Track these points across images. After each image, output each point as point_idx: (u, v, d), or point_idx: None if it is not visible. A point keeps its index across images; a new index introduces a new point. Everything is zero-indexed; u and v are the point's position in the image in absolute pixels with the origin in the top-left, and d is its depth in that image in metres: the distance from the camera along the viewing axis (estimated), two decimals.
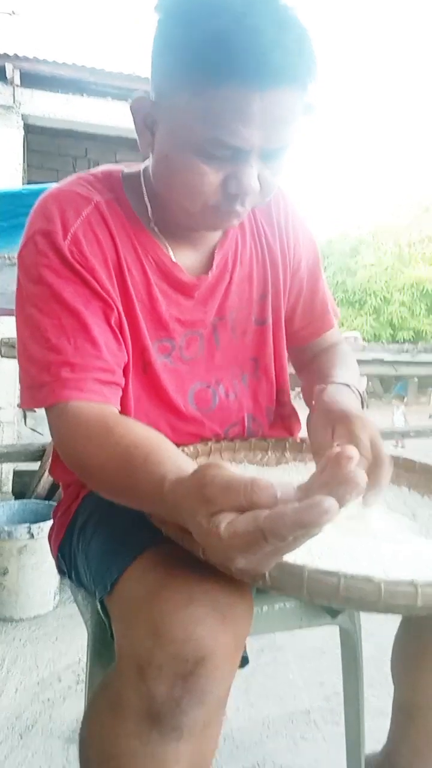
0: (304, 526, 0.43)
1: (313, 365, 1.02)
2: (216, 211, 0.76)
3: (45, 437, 3.00)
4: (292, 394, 1.06)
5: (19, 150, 6.54)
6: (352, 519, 0.78)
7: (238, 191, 0.72)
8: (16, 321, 0.80)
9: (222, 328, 0.91)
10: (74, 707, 1.35)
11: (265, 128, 0.68)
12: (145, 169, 0.85)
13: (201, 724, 0.58)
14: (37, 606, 1.82)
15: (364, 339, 13.42)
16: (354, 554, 0.65)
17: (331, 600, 0.53)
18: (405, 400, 9.27)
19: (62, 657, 1.60)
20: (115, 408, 0.77)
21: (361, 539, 0.71)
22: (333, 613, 0.93)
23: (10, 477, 2.50)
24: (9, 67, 6.31)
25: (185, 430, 0.90)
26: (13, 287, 0.82)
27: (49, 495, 2.12)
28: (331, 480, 0.45)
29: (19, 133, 6.59)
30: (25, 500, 2.12)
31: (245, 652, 0.73)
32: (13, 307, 0.82)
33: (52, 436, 0.78)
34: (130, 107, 0.77)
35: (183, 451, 0.86)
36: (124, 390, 0.83)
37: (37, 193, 0.93)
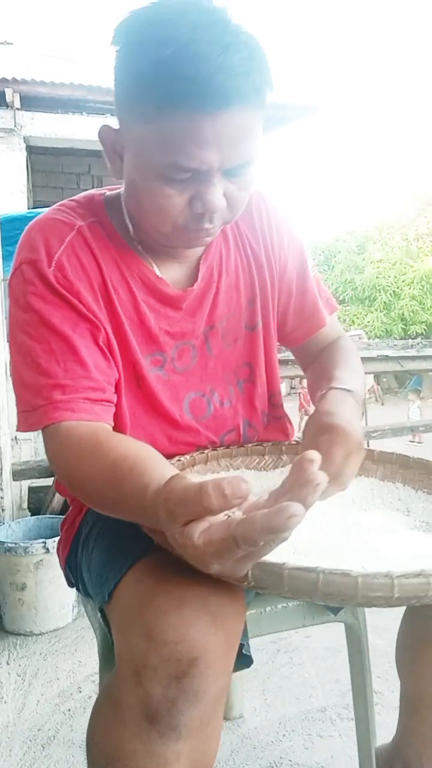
0: (273, 531, 0.46)
1: (315, 364, 1.03)
2: (186, 231, 0.78)
3: None
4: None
5: (22, 171, 6.64)
6: (345, 516, 0.81)
7: (204, 210, 0.75)
8: (9, 348, 0.84)
9: (213, 337, 0.93)
10: None
11: (221, 148, 0.70)
12: (125, 191, 0.89)
13: (198, 722, 0.60)
14: (55, 619, 1.85)
15: (369, 336, 13.35)
16: (341, 550, 0.67)
17: (312, 596, 0.55)
18: (421, 394, 9.19)
19: (82, 668, 1.63)
20: (107, 425, 0.80)
21: (351, 535, 0.73)
22: (334, 611, 0.95)
23: (26, 494, 2.54)
24: (8, 92, 6.41)
25: (182, 440, 0.92)
26: None
27: (64, 510, 2.16)
28: (295, 483, 0.48)
29: (22, 155, 6.70)
30: (40, 516, 2.16)
31: (248, 651, 0.75)
32: None
33: (47, 456, 0.81)
34: (98, 136, 0.80)
35: (180, 460, 0.89)
36: (119, 405, 0.86)
37: None
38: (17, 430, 0.83)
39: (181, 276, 0.91)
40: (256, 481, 0.94)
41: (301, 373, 1.16)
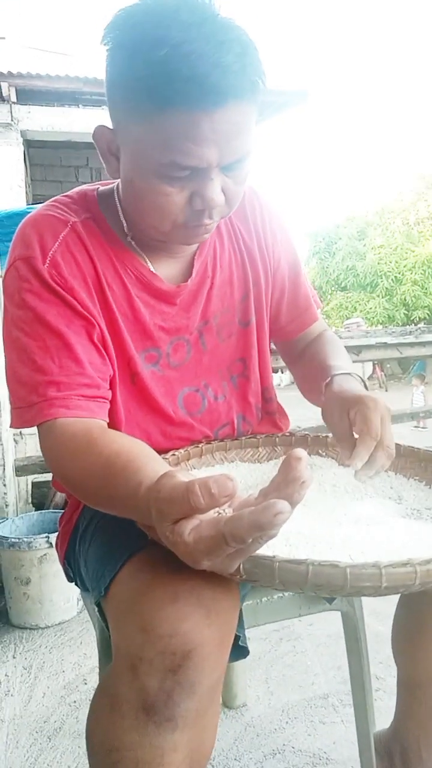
0: (260, 528, 0.47)
1: (305, 356, 1.04)
2: (185, 228, 0.79)
3: None
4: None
5: (20, 166, 6.62)
6: (337, 505, 0.82)
7: (203, 206, 0.75)
8: (4, 345, 0.84)
9: (208, 332, 0.94)
10: None
11: (219, 145, 0.71)
12: (119, 185, 0.88)
13: (194, 713, 0.61)
14: (60, 612, 1.87)
15: (372, 323, 13.30)
16: (334, 541, 0.68)
17: (303, 587, 0.56)
18: (425, 379, 9.17)
19: (87, 660, 1.65)
20: (102, 421, 0.80)
21: (343, 524, 0.74)
22: (329, 599, 0.96)
23: (30, 489, 2.56)
24: (4, 86, 6.38)
25: (176, 435, 0.93)
26: None
27: (66, 505, 2.17)
28: (282, 481, 0.49)
29: (19, 150, 6.67)
30: (43, 511, 2.17)
31: (245, 642, 0.76)
32: None
33: (41, 453, 0.81)
34: (93, 137, 0.81)
35: (174, 454, 0.90)
36: (114, 401, 0.86)
37: None
38: (10, 426, 0.84)
39: (175, 271, 0.91)
40: (251, 473, 0.94)
41: None
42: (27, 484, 2.66)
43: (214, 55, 0.66)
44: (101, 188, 0.91)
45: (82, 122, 6.38)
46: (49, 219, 0.83)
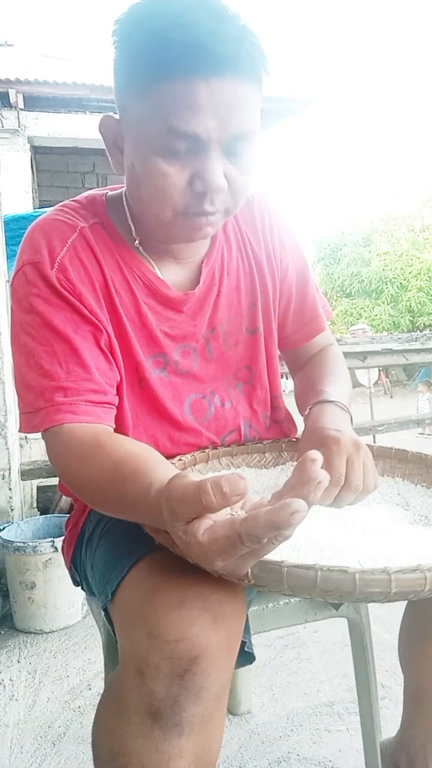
0: (277, 528, 0.47)
1: (303, 372, 1.04)
2: (186, 217, 0.78)
3: None
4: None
5: (27, 172, 6.67)
6: (345, 512, 0.81)
7: (204, 188, 0.74)
8: (12, 349, 0.84)
9: (214, 339, 0.93)
10: None
11: (218, 116, 0.71)
12: (126, 191, 0.89)
13: (201, 719, 0.61)
14: (65, 617, 1.87)
15: (377, 329, 13.26)
16: (342, 546, 0.68)
17: (311, 593, 0.55)
18: (431, 386, 9.14)
19: (91, 665, 1.65)
20: (109, 427, 0.80)
21: (351, 531, 0.74)
22: (336, 606, 0.96)
23: (35, 493, 2.56)
24: (12, 93, 6.44)
25: (183, 441, 0.92)
26: None
27: (72, 509, 2.17)
28: (297, 482, 0.50)
29: (27, 156, 6.72)
30: (48, 515, 2.18)
31: (251, 648, 0.76)
32: None
33: (49, 458, 0.82)
34: (99, 129, 0.81)
35: (181, 459, 0.90)
36: (121, 406, 0.86)
37: None
38: (19, 431, 0.84)
39: (182, 278, 0.91)
40: (257, 478, 0.94)
41: None
42: (32, 489, 2.66)
43: (212, 25, 0.68)
44: (109, 193, 0.91)
45: (88, 128, 6.43)
46: (58, 224, 0.84)
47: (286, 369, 1.17)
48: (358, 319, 14.10)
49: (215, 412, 0.95)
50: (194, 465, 0.93)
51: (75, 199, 0.90)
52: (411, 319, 14.18)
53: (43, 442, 0.83)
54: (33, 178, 7.20)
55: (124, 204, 0.88)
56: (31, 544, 1.84)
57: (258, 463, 1.00)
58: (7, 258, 2.43)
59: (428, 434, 7.11)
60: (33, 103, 6.64)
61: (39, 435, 0.82)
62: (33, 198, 7.02)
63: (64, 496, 2.18)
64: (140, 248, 0.87)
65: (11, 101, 6.50)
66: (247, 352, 0.97)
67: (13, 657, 1.72)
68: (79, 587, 1.00)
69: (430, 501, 0.87)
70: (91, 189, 0.96)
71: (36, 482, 2.55)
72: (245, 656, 0.73)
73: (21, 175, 6.53)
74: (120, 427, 0.86)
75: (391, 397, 11.77)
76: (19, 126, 6.66)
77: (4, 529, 1.98)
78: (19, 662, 1.69)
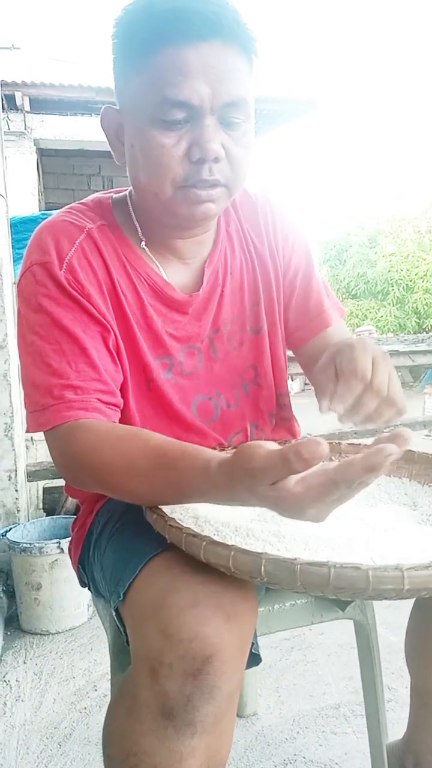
0: (372, 470, 0.51)
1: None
2: (187, 193, 0.78)
3: None
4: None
5: (33, 174, 6.70)
6: (352, 511, 0.81)
7: (201, 155, 0.75)
8: (19, 349, 0.84)
9: (218, 340, 0.94)
10: None
11: (209, 81, 0.73)
12: (131, 191, 0.89)
13: (213, 718, 0.61)
14: (71, 618, 1.87)
15: (383, 331, 13.21)
16: (352, 545, 0.68)
17: (324, 590, 0.55)
18: None
19: (97, 666, 1.65)
20: None
21: (359, 530, 0.74)
22: (342, 606, 0.95)
23: (41, 494, 2.57)
24: (18, 95, 6.47)
25: (191, 441, 0.92)
26: None
27: (78, 510, 2.18)
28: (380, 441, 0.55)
29: (33, 158, 6.75)
30: (54, 516, 2.18)
31: (257, 650, 0.76)
32: None
33: (59, 456, 0.79)
34: (101, 123, 0.83)
35: None
36: (128, 407, 0.87)
37: None
38: (27, 431, 0.84)
39: (186, 279, 0.91)
40: None
41: None
42: (38, 490, 2.67)
43: None
44: (115, 196, 0.92)
45: (94, 131, 6.45)
46: (66, 225, 0.84)
47: (290, 371, 1.15)
48: (363, 320, 14.06)
49: (221, 413, 0.95)
50: None
51: (81, 201, 0.91)
52: (417, 320, 14.12)
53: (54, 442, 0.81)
54: (39, 181, 7.23)
55: (129, 205, 0.89)
56: (37, 545, 1.84)
57: None
58: (14, 261, 2.44)
59: None
60: (39, 105, 6.68)
61: (41, 436, 0.81)
62: (39, 200, 7.05)
63: (70, 498, 2.18)
64: (146, 250, 0.88)
65: (17, 104, 6.53)
66: (252, 352, 0.97)
67: (20, 658, 1.72)
68: (86, 588, 1.00)
69: None
70: (96, 191, 0.97)
71: (42, 483, 2.55)
72: (252, 658, 0.73)
73: (27, 177, 6.56)
74: None
75: None
76: (25, 128, 6.69)
77: (10, 530, 1.98)
78: (25, 663, 1.69)
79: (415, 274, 14.21)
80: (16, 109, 6.57)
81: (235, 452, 0.59)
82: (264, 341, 0.97)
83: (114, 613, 0.78)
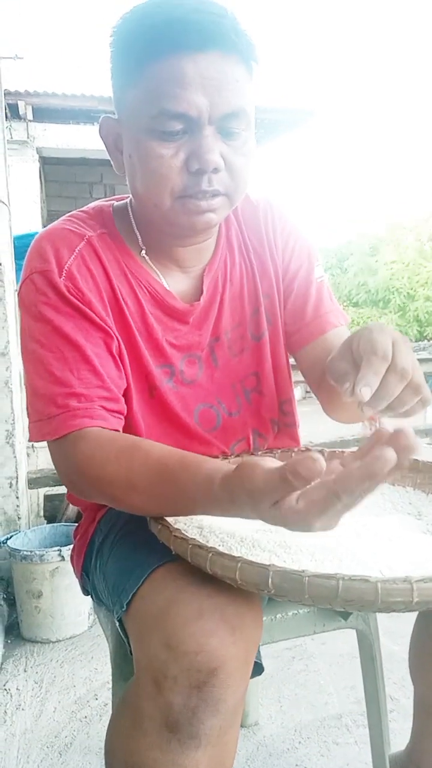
0: (372, 477, 0.50)
1: (325, 380, 0.95)
2: (187, 203, 0.77)
3: None
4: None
5: (36, 182, 6.73)
6: (357, 521, 0.81)
7: (200, 166, 0.74)
8: (22, 358, 0.84)
9: (219, 348, 0.93)
10: None
11: (207, 92, 0.72)
12: (132, 199, 0.89)
13: (217, 731, 0.61)
14: (72, 626, 1.86)
15: None
16: (358, 556, 0.67)
17: (332, 602, 0.55)
18: None
19: (98, 675, 1.64)
20: None
21: (364, 540, 0.73)
22: (345, 616, 0.95)
23: (42, 502, 2.56)
24: (21, 104, 6.51)
25: (193, 450, 0.91)
26: None
27: (79, 517, 2.17)
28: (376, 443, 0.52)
29: (35, 166, 6.79)
30: (55, 524, 2.17)
31: (260, 659, 0.75)
32: None
33: (63, 466, 0.79)
34: (99, 132, 0.83)
35: None
36: (132, 414, 0.86)
37: None
38: (30, 440, 0.83)
39: (187, 287, 0.91)
40: None
41: None
42: (39, 497, 2.66)
43: (194, 4, 0.71)
44: (116, 203, 0.92)
45: (96, 140, 6.46)
46: (65, 233, 0.84)
47: (298, 378, 1.14)
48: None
49: (223, 422, 0.94)
50: None
51: (82, 209, 0.91)
52: (419, 328, 14.12)
53: (56, 451, 0.80)
54: (41, 189, 7.26)
55: (130, 213, 0.89)
56: (38, 552, 1.84)
57: None
58: (17, 270, 2.45)
59: None
60: (42, 114, 6.72)
61: (43, 444, 0.81)
62: (41, 208, 7.08)
63: (71, 505, 2.18)
64: (147, 258, 0.88)
65: (20, 113, 6.57)
66: (254, 359, 0.96)
67: (20, 666, 1.71)
68: (89, 596, 1.00)
69: None
70: (98, 199, 0.97)
71: (43, 491, 2.55)
72: (255, 667, 0.73)
73: (29, 185, 6.59)
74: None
75: None
76: (27, 137, 6.73)
77: (11, 537, 1.98)
78: (25, 671, 1.68)
79: (416, 282, 14.23)
80: (19, 118, 6.61)
81: (235, 470, 0.58)
82: (265, 348, 0.97)
83: (117, 623, 0.77)
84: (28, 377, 0.82)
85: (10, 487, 2.08)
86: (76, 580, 1.03)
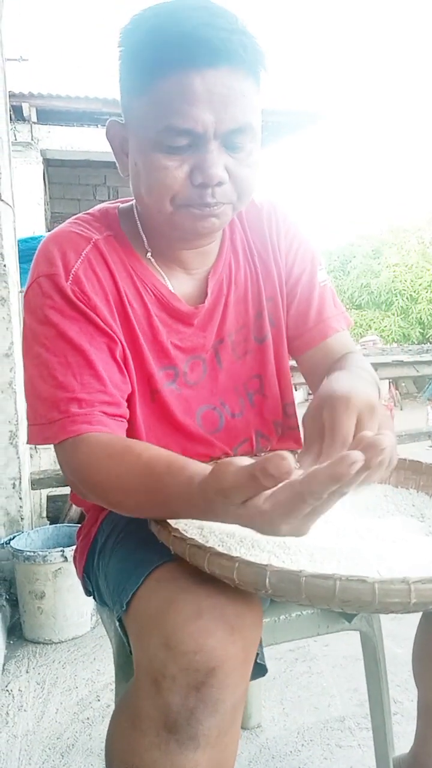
0: (337, 480, 0.49)
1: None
2: (189, 211, 0.78)
3: None
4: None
5: (39, 184, 6.75)
6: (360, 523, 0.81)
7: (203, 179, 0.74)
8: (24, 360, 0.84)
9: (223, 350, 0.93)
10: None
11: (214, 108, 0.72)
12: (136, 202, 0.89)
13: (216, 732, 0.60)
14: (74, 627, 1.86)
15: (387, 341, 13.20)
16: (358, 557, 0.67)
17: (329, 603, 0.55)
18: None
19: (100, 676, 1.64)
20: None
21: (367, 541, 0.73)
22: (349, 618, 0.95)
23: (44, 503, 2.57)
24: (25, 106, 6.54)
25: (195, 451, 0.92)
26: None
27: (82, 518, 2.17)
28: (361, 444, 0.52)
29: (39, 168, 6.81)
30: (58, 524, 2.17)
31: (263, 660, 0.75)
32: None
33: (65, 470, 0.80)
34: (106, 135, 0.83)
35: None
36: (134, 418, 0.86)
37: None
38: (27, 442, 0.83)
39: (192, 290, 0.91)
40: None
41: None
42: (41, 498, 2.67)
43: (204, 18, 0.70)
44: (121, 206, 0.92)
45: (100, 142, 6.51)
46: (72, 236, 0.84)
47: (300, 380, 1.14)
48: (367, 330, 14.06)
49: (226, 423, 0.94)
50: None
51: (88, 212, 0.91)
52: (421, 330, 14.12)
53: (52, 452, 0.82)
54: (45, 191, 7.29)
55: (135, 215, 0.89)
56: (40, 553, 1.84)
57: None
58: (22, 273, 2.45)
59: None
60: (46, 116, 6.75)
61: (46, 444, 0.81)
62: (45, 210, 7.10)
63: (73, 506, 2.18)
64: (152, 260, 0.88)
65: (25, 115, 6.60)
66: (257, 361, 0.96)
67: (22, 667, 1.71)
68: (91, 597, 1.00)
69: None
70: (102, 201, 0.97)
71: (46, 491, 2.55)
72: (258, 668, 0.73)
73: (34, 187, 6.62)
74: (133, 438, 0.85)
75: (401, 410, 11.69)
76: (32, 139, 6.76)
77: (14, 538, 1.98)
78: (27, 672, 1.68)
79: (419, 285, 14.23)
80: (24, 119, 6.64)
81: (210, 471, 0.58)
82: (269, 350, 0.97)
83: (117, 623, 0.77)
84: (30, 379, 0.82)
85: (14, 487, 2.08)
86: (79, 581, 1.03)
